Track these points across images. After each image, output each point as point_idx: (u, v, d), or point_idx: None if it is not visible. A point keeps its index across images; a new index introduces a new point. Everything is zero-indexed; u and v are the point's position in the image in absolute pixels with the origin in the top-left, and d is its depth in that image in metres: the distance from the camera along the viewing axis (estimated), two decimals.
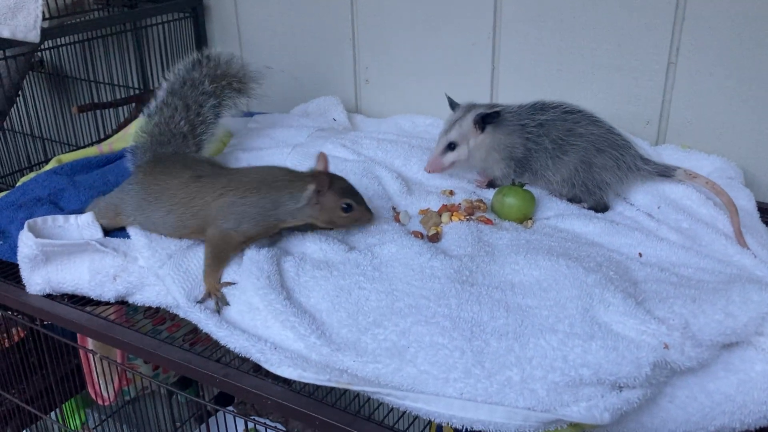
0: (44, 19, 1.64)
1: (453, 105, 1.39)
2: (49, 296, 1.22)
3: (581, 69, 1.54)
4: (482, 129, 1.31)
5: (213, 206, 1.11)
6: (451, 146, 1.33)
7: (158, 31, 2.03)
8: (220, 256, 1.10)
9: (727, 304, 0.89)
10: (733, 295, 0.90)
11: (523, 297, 0.97)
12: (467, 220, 1.21)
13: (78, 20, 1.83)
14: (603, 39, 1.49)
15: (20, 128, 2.21)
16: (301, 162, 1.41)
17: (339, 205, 1.11)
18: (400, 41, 1.75)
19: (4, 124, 2.02)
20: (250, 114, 1.78)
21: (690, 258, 1.09)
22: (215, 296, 1.08)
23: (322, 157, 1.16)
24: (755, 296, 0.89)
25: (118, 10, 1.96)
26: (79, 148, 1.99)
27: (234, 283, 1.08)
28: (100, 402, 1.55)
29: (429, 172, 1.36)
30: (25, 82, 2.04)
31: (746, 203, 1.28)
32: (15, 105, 2.00)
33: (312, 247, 1.14)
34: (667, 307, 0.91)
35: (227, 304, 1.07)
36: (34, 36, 1.58)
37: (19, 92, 1.96)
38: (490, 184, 1.38)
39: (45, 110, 2.27)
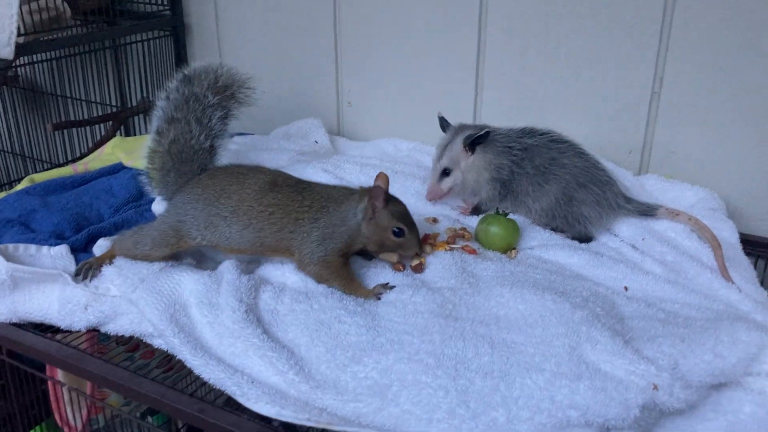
0: (20, 35, 1.60)
1: (444, 126, 1.38)
2: (15, 324, 1.17)
3: (565, 97, 1.54)
4: (472, 151, 1.30)
5: (293, 237, 1.09)
6: (446, 172, 1.32)
7: (137, 48, 2.00)
8: (343, 277, 1.08)
9: (716, 344, 0.88)
10: (722, 335, 0.89)
11: (509, 332, 0.95)
12: (450, 249, 1.19)
13: (55, 36, 1.79)
14: (587, 67, 1.49)
15: None
16: None
17: (391, 227, 1.09)
18: (384, 65, 1.74)
19: None
20: (230, 135, 1.75)
21: (676, 293, 1.08)
22: (377, 297, 1.06)
23: (383, 176, 1.12)
24: (744, 336, 0.88)
25: (98, 27, 1.92)
26: (53, 166, 1.94)
27: (394, 287, 1.07)
28: (67, 431, 1.50)
29: (430, 200, 1.35)
30: None
31: (729, 235, 1.27)
32: None
33: (292, 277, 1.11)
34: (656, 346, 0.89)
35: (391, 288, 1.07)
36: (7, 53, 1.55)
37: None
38: (474, 211, 1.37)
39: (18, 126, 2.22)
